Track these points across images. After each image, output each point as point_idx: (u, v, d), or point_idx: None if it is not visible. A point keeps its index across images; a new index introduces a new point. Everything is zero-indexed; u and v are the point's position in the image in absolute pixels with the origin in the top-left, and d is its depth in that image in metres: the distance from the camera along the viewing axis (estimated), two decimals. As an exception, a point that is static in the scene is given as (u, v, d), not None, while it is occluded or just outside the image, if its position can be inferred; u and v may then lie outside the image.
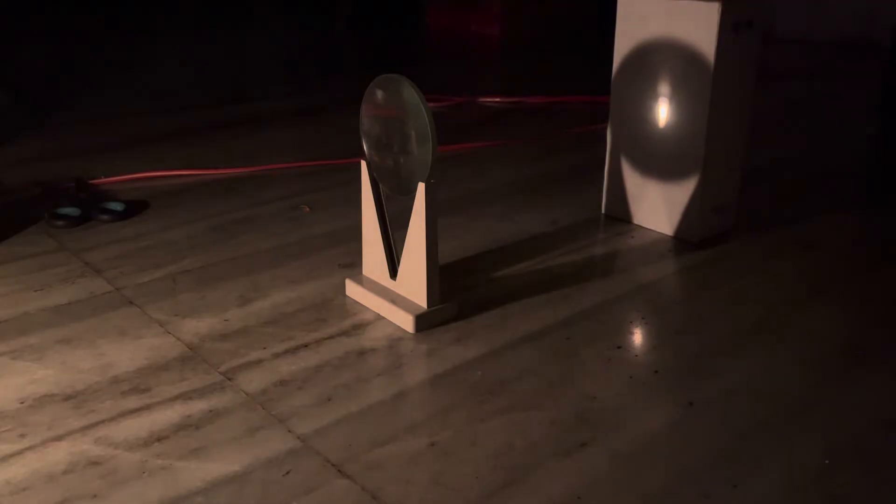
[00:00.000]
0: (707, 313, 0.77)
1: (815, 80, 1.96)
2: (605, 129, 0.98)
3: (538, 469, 0.55)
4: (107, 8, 2.84)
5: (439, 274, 0.73)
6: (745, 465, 0.55)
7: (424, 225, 0.70)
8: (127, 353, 0.69)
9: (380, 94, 0.72)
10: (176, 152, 1.28)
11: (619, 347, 0.70)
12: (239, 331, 0.73)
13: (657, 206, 0.95)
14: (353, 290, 0.79)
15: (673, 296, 0.81)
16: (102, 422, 0.59)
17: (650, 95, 0.92)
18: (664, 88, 0.90)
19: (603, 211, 1.02)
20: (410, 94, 0.68)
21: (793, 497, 0.52)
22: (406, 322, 0.73)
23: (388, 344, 0.71)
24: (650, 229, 0.96)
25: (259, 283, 0.82)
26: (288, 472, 0.54)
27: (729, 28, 0.84)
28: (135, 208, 1.02)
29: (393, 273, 0.76)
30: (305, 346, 0.70)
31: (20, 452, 0.56)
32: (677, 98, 0.89)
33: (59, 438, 0.57)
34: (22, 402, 0.62)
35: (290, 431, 0.58)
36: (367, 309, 0.77)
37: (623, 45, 0.93)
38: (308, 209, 1.04)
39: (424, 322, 0.73)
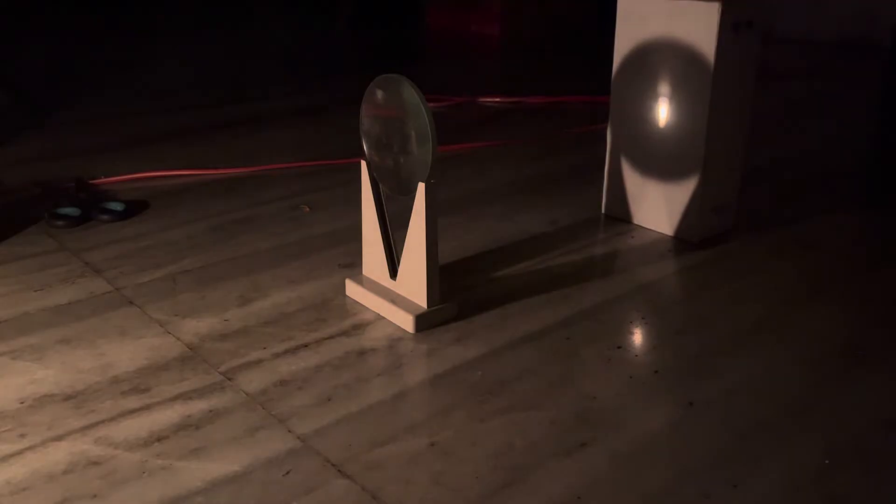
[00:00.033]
0: (707, 313, 0.77)
1: (815, 80, 1.96)
2: (605, 129, 0.98)
3: (538, 469, 0.55)
4: (107, 8, 2.84)
5: (439, 274, 0.73)
6: (745, 465, 0.55)
7: (424, 225, 0.70)
8: (127, 353, 0.69)
9: (380, 94, 0.72)
10: (176, 152, 1.28)
11: (619, 347, 0.70)
12: (239, 331, 0.73)
13: (657, 206, 0.95)
14: (353, 290, 0.79)
15: (673, 296, 0.81)
16: (102, 422, 0.59)
17: (650, 95, 0.92)
18: (664, 88, 0.90)
19: (603, 211, 1.02)
20: (410, 94, 0.68)
21: (793, 497, 0.52)
22: (406, 322, 0.73)
23: (388, 344, 0.71)
24: (650, 229, 0.96)
25: (259, 283, 0.82)
26: (288, 472, 0.54)
27: (729, 28, 0.84)
28: (135, 208, 1.02)
29: (393, 273, 0.76)
30: (305, 346, 0.70)
31: (20, 452, 0.56)
32: (677, 98, 0.89)
33: (59, 438, 0.57)
34: (22, 402, 0.62)
35: (290, 431, 0.58)
36: (367, 309, 0.77)
37: (623, 45, 0.93)
38: (308, 209, 1.04)
39: (424, 322, 0.73)
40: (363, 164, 0.76)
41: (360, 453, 0.56)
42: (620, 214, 1.00)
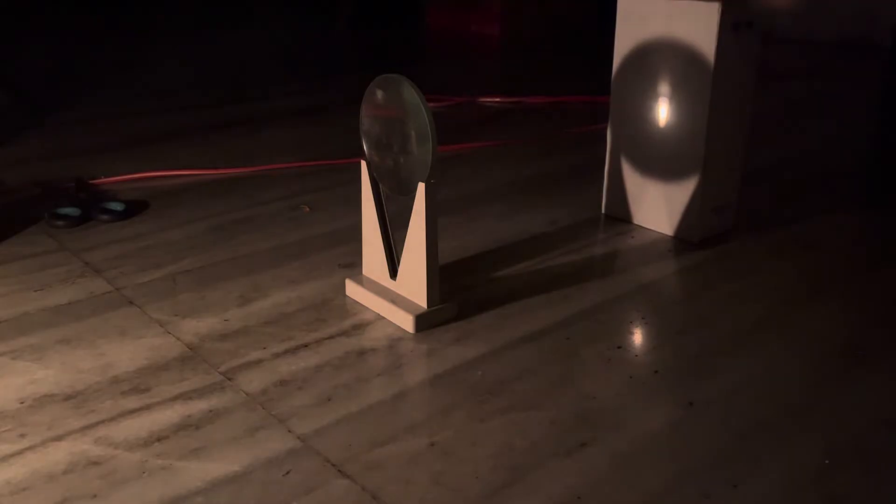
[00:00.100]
0: (707, 313, 0.77)
1: (815, 80, 1.96)
2: (605, 129, 0.98)
3: (538, 469, 0.55)
4: (107, 8, 2.84)
5: (439, 274, 0.73)
6: (745, 465, 0.55)
7: (424, 225, 0.70)
8: (127, 353, 0.69)
9: (380, 94, 0.72)
10: (176, 152, 1.28)
11: (619, 347, 0.70)
12: (239, 331, 0.73)
13: (657, 206, 0.95)
14: (353, 290, 0.79)
15: (673, 296, 0.81)
16: (102, 422, 0.59)
17: (650, 95, 0.92)
18: (664, 88, 0.90)
19: (603, 211, 1.02)
20: (410, 94, 0.68)
21: (793, 497, 0.52)
22: (406, 322, 0.73)
23: (388, 344, 0.71)
24: (650, 229, 0.96)
25: (259, 283, 0.82)
26: (288, 472, 0.54)
27: (729, 28, 0.84)
28: (135, 208, 1.02)
29: (393, 273, 0.76)
30: (305, 346, 0.70)
31: (20, 452, 0.56)
32: (677, 98, 0.89)
33: (59, 438, 0.57)
34: (22, 402, 0.62)
35: (290, 431, 0.58)
36: (367, 309, 0.77)
37: (623, 45, 0.93)
38: (308, 209, 1.04)
39: (424, 322, 0.73)
40: (363, 164, 0.76)
41: (360, 453, 0.56)
42: (620, 214, 1.00)
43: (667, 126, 0.91)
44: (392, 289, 0.76)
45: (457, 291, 0.80)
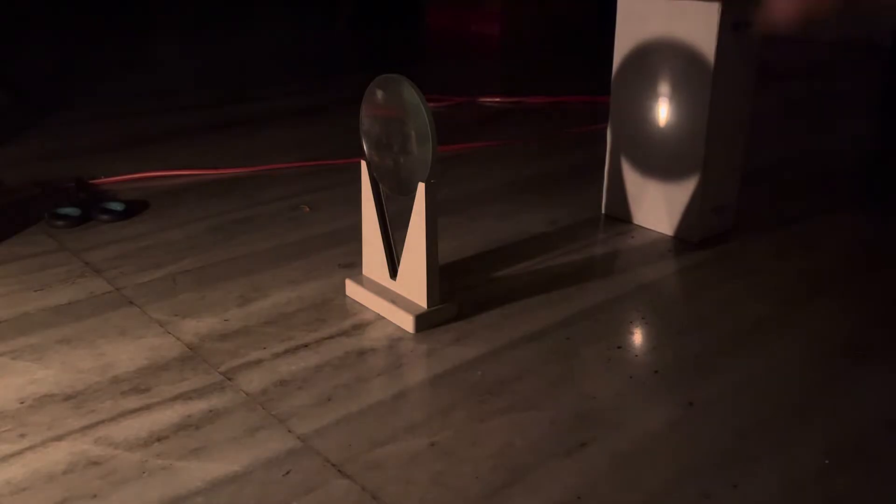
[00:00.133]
0: (707, 313, 0.77)
1: (815, 80, 1.96)
2: (605, 129, 0.98)
3: (538, 469, 0.55)
4: (107, 8, 2.84)
5: (439, 274, 0.73)
6: (745, 465, 0.55)
7: (424, 225, 0.70)
8: (127, 353, 0.69)
9: (380, 94, 0.72)
10: (176, 152, 1.28)
11: (619, 347, 0.70)
12: (239, 331, 0.73)
13: (657, 206, 0.95)
14: (353, 290, 0.79)
15: (673, 296, 0.81)
16: (102, 422, 0.59)
17: (650, 95, 0.92)
18: (664, 88, 0.90)
19: (603, 211, 1.02)
20: (410, 94, 0.68)
21: (793, 497, 0.52)
22: (406, 322, 0.73)
23: (388, 344, 0.71)
24: (650, 229, 0.96)
25: (259, 283, 0.82)
26: (288, 472, 0.54)
27: (729, 28, 0.84)
28: (135, 208, 1.02)
29: (393, 273, 0.76)
30: (305, 346, 0.70)
31: (20, 452, 0.56)
32: (677, 98, 0.89)
33: (59, 438, 0.57)
34: (22, 402, 0.62)
35: (290, 431, 0.58)
36: (367, 309, 0.77)
37: (623, 45, 0.93)
38: (308, 209, 1.04)
39: (424, 322, 0.73)
40: (363, 164, 0.76)
41: (360, 453, 0.56)
42: (620, 214, 1.00)
43: (667, 126, 0.91)
44: (392, 289, 0.76)
45: (457, 291, 0.80)
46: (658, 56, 0.90)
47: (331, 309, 0.77)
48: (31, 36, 2.46)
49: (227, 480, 0.53)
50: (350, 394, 0.63)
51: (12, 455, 0.56)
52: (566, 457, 0.56)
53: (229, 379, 0.65)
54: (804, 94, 1.80)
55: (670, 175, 0.92)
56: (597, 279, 0.84)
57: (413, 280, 0.73)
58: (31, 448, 0.56)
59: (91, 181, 1.11)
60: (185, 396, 0.62)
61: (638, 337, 0.73)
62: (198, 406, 0.61)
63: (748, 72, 0.89)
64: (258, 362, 0.67)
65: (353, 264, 0.86)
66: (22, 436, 0.58)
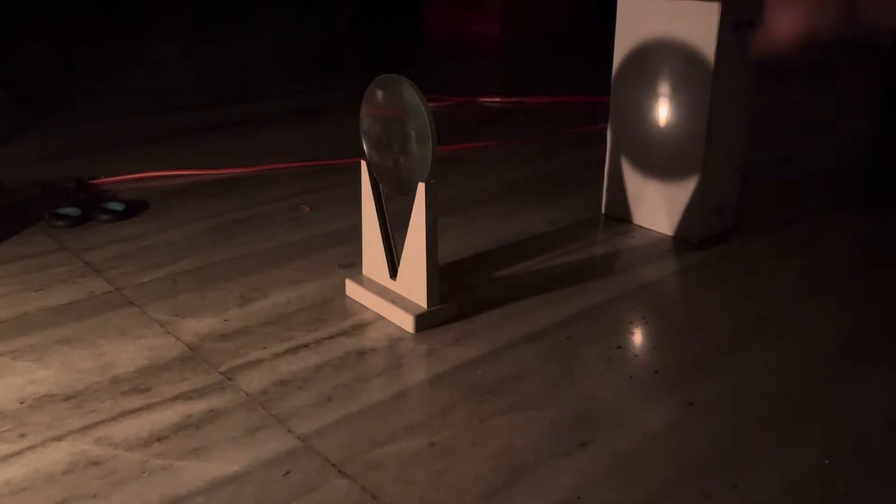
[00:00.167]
0: (707, 313, 0.77)
1: (815, 79, 1.96)
2: (605, 129, 0.98)
3: (538, 469, 0.55)
4: (107, 8, 2.84)
5: (439, 274, 0.73)
6: (745, 465, 0.55)
7: (424, 225, 0.70)
8: (127, 353, 0.69)
9: (380, 94, 0.72)
10: (176, 152, 1.28)
11: (619, 347, 0.70)
12: (239, 331, 0.73)
13: (657, 206, 0.95)
14: (353, 290, 0.79)
15: (673, 296, 0.81)
16: (102, 422, 0.59)
17: (650, 95, 0.92)
18: (664, 88, 0.90)
19: (603, 211, 1.02)
20: (410, 94, 0.68)
21: (793, 497, 0.52)
22: (406, 322, 0.73)
23: (388, 344, 0.71)
24: (650, 229, 0.96)
25: (259, 283, 0.82)
26: (288, 472, 0.54)
27: (729, 28, 0.84)
28: (135, 208, 1.02)
29: (393, 273, 0.76)
30: (305, 346, 0.70)
31: (20, 452, 0.56)
32: (677, 98, 0.89)
33: (59, 438, 0.57)
34: (22, 402, 0.62)
35: (290, 431, 0.58)
36: (367, 309, 0.77)
37: (623, 45, 0.93)
38: (308, 209, 1.04)
39: (424, 322, 0.73)
40: (363, 164, 0.76)
41: (360, 453, 0.56)
42: (620, 214, 1.00)
43: (667, 126, 0.91)
44: (392, 289, 0.76)
45: (457, 291, 0.80)
46: (658, 56, 0.90)
47: (331, 309, 0.77)
48: (31, 36, 2.46)
49: (227, 480, 0.53)
50: (350, 394, 0.63)
51: (12, 455, 0.56)
52: (566, 457, 0.56)
53: (229, 379, 0.65)
54: (804, 94, 1.80)
55: (670, 175, 0.92)
56: (597, 279, 0.84)
57: (413, 280, 0.73)
58: (31, 448, 0.56)
59: (91, 181, 1.11)
60: (185, 396, 0.62)
61: (638, 337, 0.73)
62: (198, 406, 0.61)
63: (748, 72, 0.89)
64: (258, 362, 0.67)
65: (353, 264, 0.86)
66: (22, 436, 0.58)
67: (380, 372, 0.66)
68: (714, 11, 0.83)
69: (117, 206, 1.00)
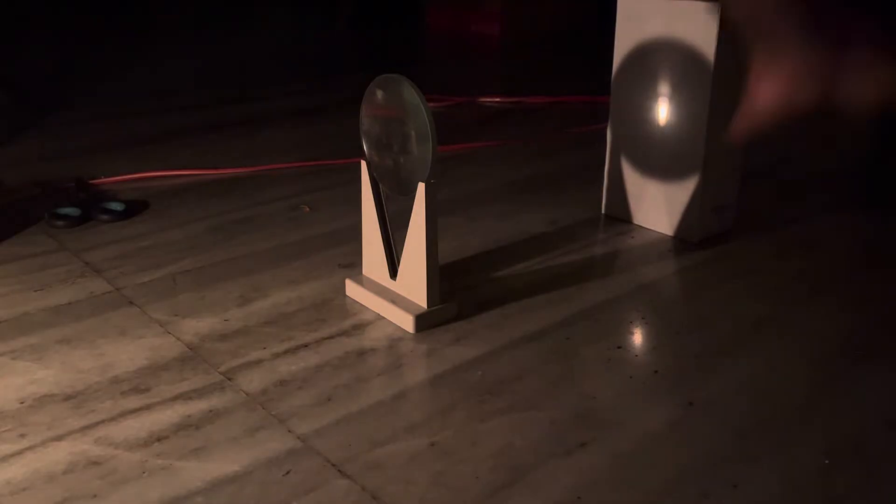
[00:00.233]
0: (707, 313, 0.77)
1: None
2: (605, 129, 0.98)
3: (538, 469, 0.55)
4: (107, 8, 2.84)
5: (439, 274, 0.73)
6: (745, 465, 0.55)
7: (424, 225, 0.70)
8: (127, 353, 0.69)
9: (380, 94, 0.72)
10: (176, 152, 1.28)
11: (619, 347, 0.70)
12: (239, 331, 0.73)
13: (657, 206, 0.95)
14: (353, 290, 0.79)
15: (673, 296, 0.81)
16: (102, 422, 0.59)
17: (650, 95, 0.92)
18: (664, 88, 0.90)
19: (603, 211, 1.02)
20: (410, 94, 0.68)
21: (793, 497, 0.52)
22: (406, 322, 0.73)
23: (388, 344, 0.71)
24: (650, 229, 0.96)
25: (259, 283, 0.82)
26: (288, 472, 0.54)
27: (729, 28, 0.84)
28: (135, 208, 1.02)
29: (393, 273, 0.76)
30: (305, 346, 0.70)
31: (20, 452, 0.56)
32: (677, 98, 0.89)
33: (59, 438, 0.57)
34: (22, 402, 0.62)
35: (290, 431, 0.58)
36: (367, 309, 0.77)
37: (623, 45, 0.93)
38: (308, 209, 1.04)
39: (424, 322, 0.73)
40: (363, 164, 0.76)
41: (360, 453, 0.56)
42: (620, 214, 1.00)
43: (667, 126, 0.91)
44: (392, 289, 0.76)
45: (457, 291, 0.80)
46: (658, 56, 0.90)
47: (331, 309, 0.77)
48: (31, 36, 2.46)
49: (227, 480, 0.53)
50: (350, 394, 0.63)
51: (12, 455, 0.56)
52: (566, 457, 0.56)
53: (229, 379, 0.65)
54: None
55: (670, 175, 0.92)
56: (597, 279, 0.84)
57: (413, 280, 0.73)
58: (31, 448, 0.56)
59: (91, 181, 1.11)
60: (185, 396, 0.62)
61: (638, 337, 0.73)
62: (198, 406, 0.61)
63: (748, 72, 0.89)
64: (258, 362, 0.67)
65: (353, 264, 0.86)
66: (22, 436, 0.58)
67: (380, 372, 0.66)
68: (714, 11, 0.83)
69: (117, 206, 1.00)
